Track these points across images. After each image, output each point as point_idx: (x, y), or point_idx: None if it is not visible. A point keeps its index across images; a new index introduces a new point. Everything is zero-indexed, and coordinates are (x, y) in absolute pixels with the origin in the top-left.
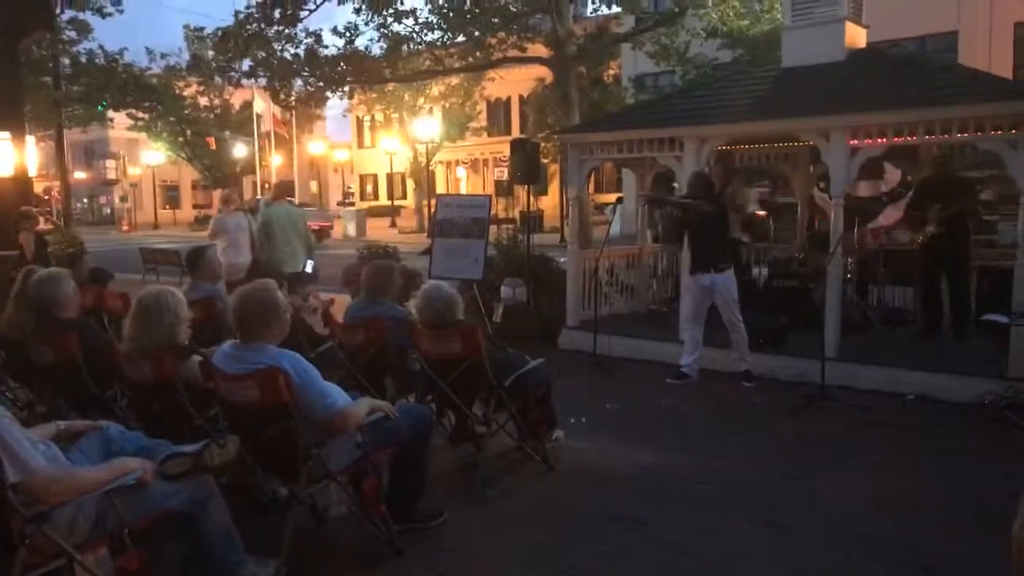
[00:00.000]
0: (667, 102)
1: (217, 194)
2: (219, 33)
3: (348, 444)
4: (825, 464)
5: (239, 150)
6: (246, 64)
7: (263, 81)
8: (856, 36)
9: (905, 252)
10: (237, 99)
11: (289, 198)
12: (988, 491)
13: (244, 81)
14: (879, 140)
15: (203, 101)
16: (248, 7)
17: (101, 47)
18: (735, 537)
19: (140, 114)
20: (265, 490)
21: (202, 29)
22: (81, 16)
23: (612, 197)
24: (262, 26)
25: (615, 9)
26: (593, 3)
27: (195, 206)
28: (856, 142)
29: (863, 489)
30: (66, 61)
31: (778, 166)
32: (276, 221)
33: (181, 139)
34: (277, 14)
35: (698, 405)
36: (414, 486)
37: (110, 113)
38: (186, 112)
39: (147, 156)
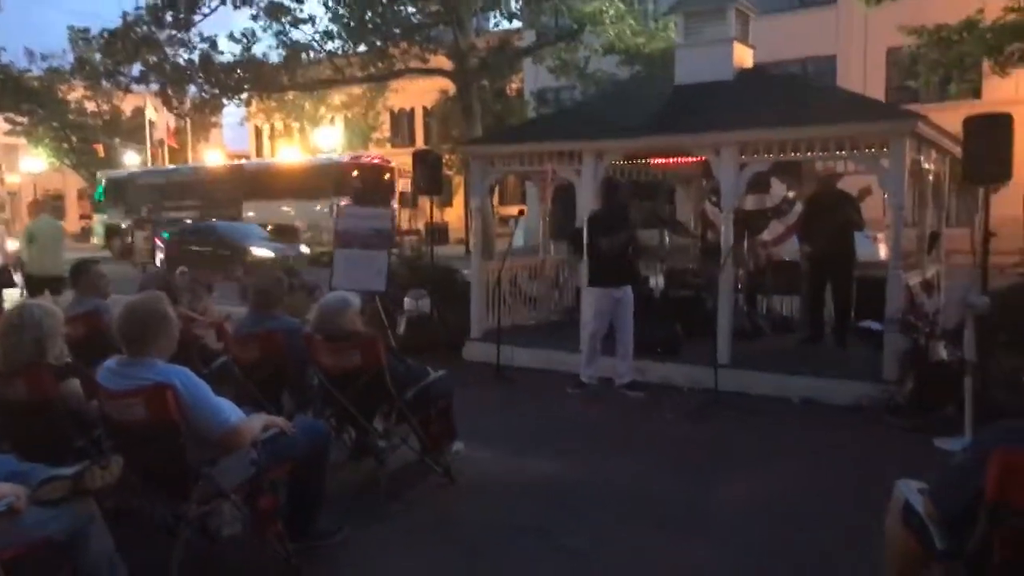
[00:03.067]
0: (567, 116)
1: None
2: (105, 35)
3: (242, 461)
4: (719, 468)
5: (130, 158)
6: (137, 69)
7: (155, 87)
8: (744, 56)
9: (791, 264)
10: (128, 105)
11: (50, 213)
12: (865, 488)
13: (135, 87)
14: (766, 156)
15: (90, 106)
16: (137, 8)
17: None
18: (634, 542)
19: (18, 118)
20: (152, 513)
21: (87, 30)
22: None
23: (515, 210)
24: (152, 29)
25: (516, 24)
26: (494, 17)
27: (82, 216)
28: (744, 158)
29: (754, 491)
30: None
31: (670, 181)
32: (37, 232)
33: (65, 145)
34: (169, 17)
35: (597, 413)
36: (312, 503)
37: None
38: (71, 117)
39: (27, 163)
